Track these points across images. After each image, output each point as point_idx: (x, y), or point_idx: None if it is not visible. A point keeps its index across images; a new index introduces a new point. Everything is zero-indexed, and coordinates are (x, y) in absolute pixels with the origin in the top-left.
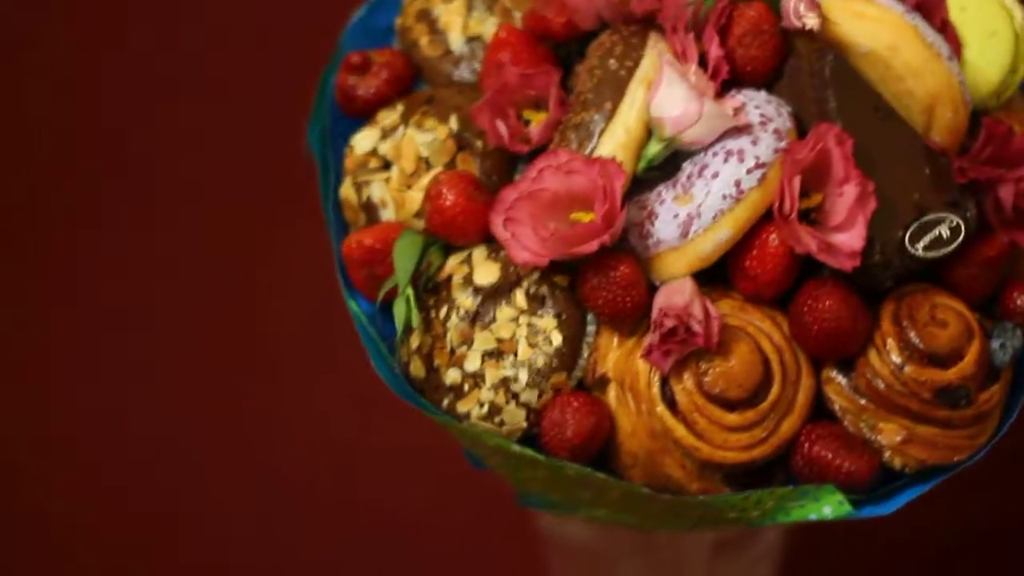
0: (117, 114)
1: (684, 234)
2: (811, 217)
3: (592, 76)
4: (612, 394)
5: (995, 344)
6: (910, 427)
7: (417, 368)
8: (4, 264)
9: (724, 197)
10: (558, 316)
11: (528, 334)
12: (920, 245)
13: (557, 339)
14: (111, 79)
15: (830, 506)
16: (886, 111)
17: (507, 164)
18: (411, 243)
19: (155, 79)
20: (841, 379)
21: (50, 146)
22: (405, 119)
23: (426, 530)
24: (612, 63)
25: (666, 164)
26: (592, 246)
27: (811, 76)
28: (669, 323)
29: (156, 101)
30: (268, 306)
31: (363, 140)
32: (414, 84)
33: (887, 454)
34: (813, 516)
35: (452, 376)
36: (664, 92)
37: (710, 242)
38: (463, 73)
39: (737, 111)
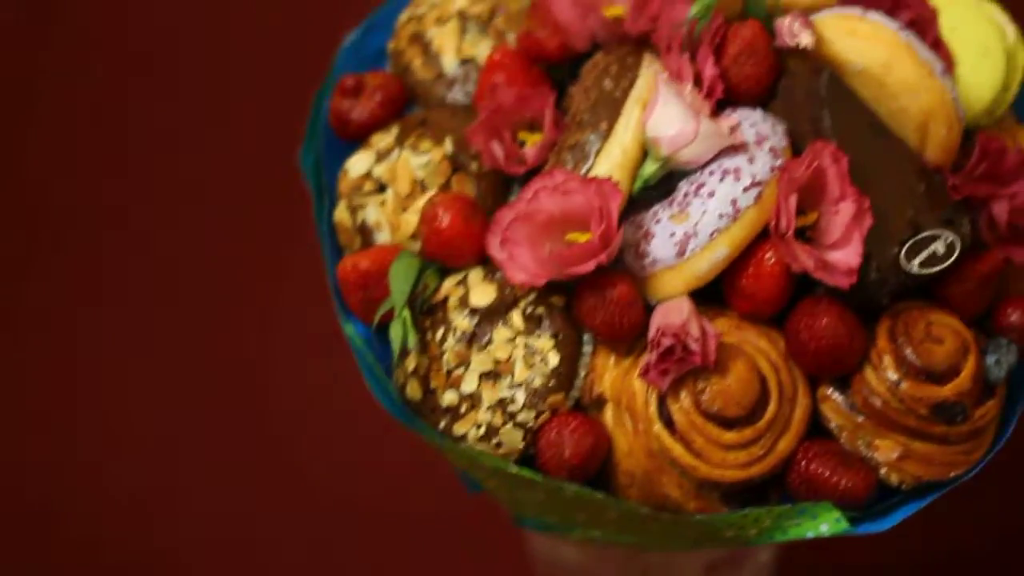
0: (116, 116)
1: (680, 253)
2: (806, 235)
3: (587, 96)
4: (609, 414)
5: (990, 360)
6: (906, 443)
7: (413, 390)
8: (3, 264)
9: (721, 216)
10: (555, 336)
11: (525, 355)
12: (916, 262)
13: (554, 359)
14: (112, 82)
15: (827, 523)
16: (880, 129)
17: (502, 186)
18: (408, 265)
19: (151, 94)
20: (837, 396)
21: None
22: (400, 141)
23: (430, 533)
24: (607, 83)
25: (661, 184)
26: (589, 266)
27: (806, 94)
28: (667, 342)
29: (150, 110)
30: (277, 313)
31: (358, 163)
32: (407, 107)
33: (883, 471)
34: (810, 533)
35: (449, 398)
36: (660, 111)
37: (707, 261)
38: (456, 95)
39: (733, 130)
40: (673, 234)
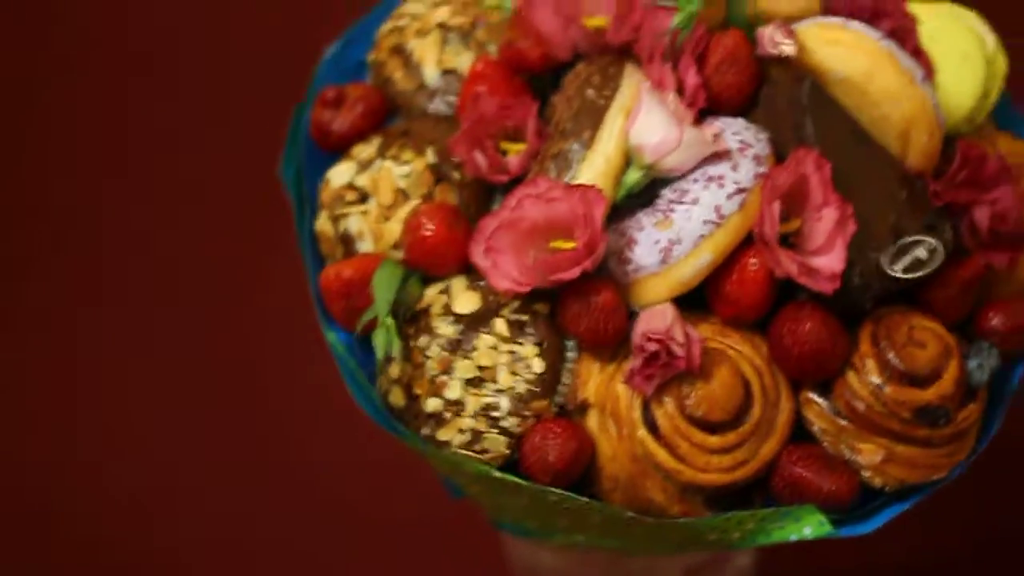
0: (116, 116)
1: (664, 260)
2: (790, 241)
3: (570, 106)
4: (593, 419)
5: (972, 364)
6: (889, 447)
7: (397, 397)
8: (3, 264)
9: (705, 222)
10: (539, 343)
11: (509, 361)
12: (898, 267)
13: (538, 366)
14: (112, 82)
15: (810, 526)
16: (862, 136)
17: (485, 195)
18: (391, 273)
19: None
20: (820, 401)
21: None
22: (382, 152)
23: (412, 538)
24: (590, 93)
25: (644, 192)
26: (573, 273)
27: (788, 103)
28: (651, 347)
29: (149, 110)
30: (277, 313)
31: (340, 174)
32: (388, 118)
33: (867, 474)
34: (794, 537)
35: (433, 404)
36: (643, 119)
37: (690, 267)
38: (438, 106)
39: (716, 137)
40: (657, 241)
